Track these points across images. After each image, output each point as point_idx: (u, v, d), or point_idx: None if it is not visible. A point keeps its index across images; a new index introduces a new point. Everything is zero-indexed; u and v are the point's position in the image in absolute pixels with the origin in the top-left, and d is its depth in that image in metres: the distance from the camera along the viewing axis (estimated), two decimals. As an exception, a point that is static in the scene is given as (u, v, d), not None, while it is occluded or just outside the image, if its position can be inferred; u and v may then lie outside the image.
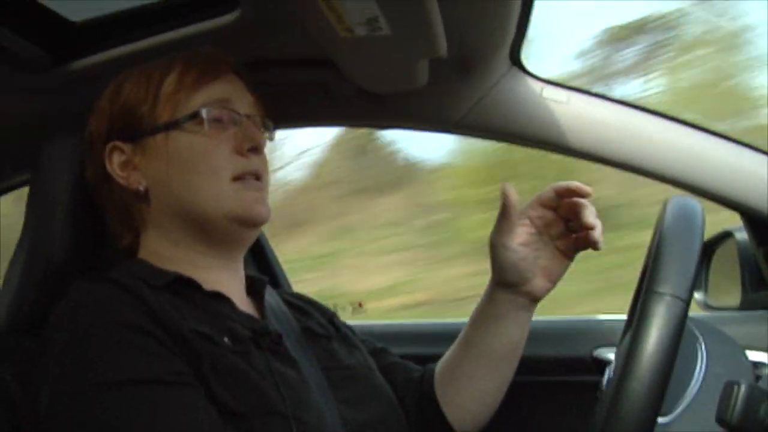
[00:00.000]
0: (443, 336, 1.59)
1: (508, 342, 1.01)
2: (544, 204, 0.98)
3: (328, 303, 1.15)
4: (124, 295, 0.79)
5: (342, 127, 1.35)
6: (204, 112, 0.88)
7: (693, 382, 1.00)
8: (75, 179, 0.94)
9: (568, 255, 0.99)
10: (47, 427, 0.74)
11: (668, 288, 0.67)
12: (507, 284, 0.99)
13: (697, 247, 0.70)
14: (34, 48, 1.05)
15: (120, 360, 0.74)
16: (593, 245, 0.94)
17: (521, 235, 0.98)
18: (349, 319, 1.15)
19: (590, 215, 0.93)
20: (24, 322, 0.95)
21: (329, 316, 1.07)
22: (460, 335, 1.05)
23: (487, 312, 1.01)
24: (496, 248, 0.98)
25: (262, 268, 1.63)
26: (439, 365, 1.07)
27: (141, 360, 0.74)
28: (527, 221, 0.98)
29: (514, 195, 0.95)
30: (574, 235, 0.97)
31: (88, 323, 0.77)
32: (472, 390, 1.02)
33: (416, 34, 0.90)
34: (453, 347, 1.06)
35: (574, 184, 0.94)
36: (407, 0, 0.81)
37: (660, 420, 0.65)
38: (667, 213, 0.73)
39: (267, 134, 0.96)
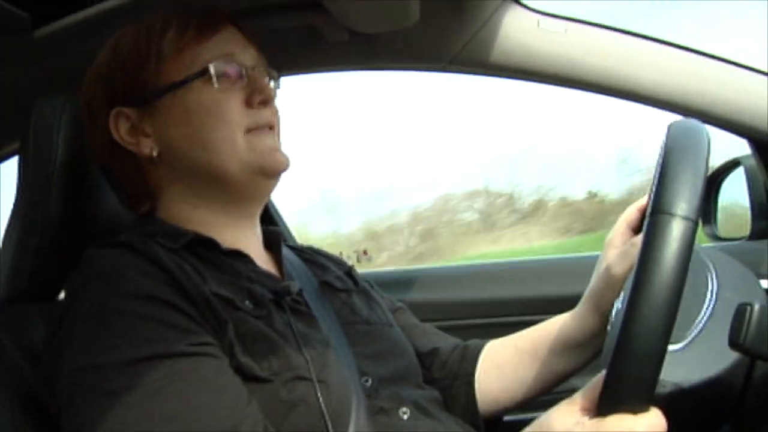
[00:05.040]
0: (446, 279, 1.60)
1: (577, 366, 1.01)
2: (630, 225, 0.98)
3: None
4: (141, 262, 0.77)
5: (336, 71, 1.33)
6: (212, 68, 0.86)
7: (704, 309, 0.99)
8: (66, 142, 0.92)
9: None
10: (65, 400, 0.72)
11: (675, 208, 0.64)
12: (601, 303, 0.97)
13: (703, 166, 0.67)
14: (13, 9, 1.02)
15: (140, 335, 0.72)
16: None
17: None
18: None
19: None
20: (22, 290, 0.94)
21: (346, 269, 1.06)
22: (531, 343, 1.03)
23: (573, 338, 1.00)
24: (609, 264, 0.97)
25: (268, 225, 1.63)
26: (492, 352, 1.05)
27: (162, 334, 0.72)
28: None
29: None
30: None
31: (105, 295, 0.74)
32: (516, 392, 1.02)
33: (404, -32, 0.87)
34: (516, 349, 1.04)
35: None
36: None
37: (671, 347, 0.64)
38: (671, 134, 0.71)
39: (274, 85, 0.94)
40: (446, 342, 1.08)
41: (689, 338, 0.97)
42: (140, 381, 0.70)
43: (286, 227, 1.69)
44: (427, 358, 1.04)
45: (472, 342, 1.07)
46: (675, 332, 0.64)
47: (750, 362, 0.92)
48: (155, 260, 0.77)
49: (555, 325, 1.02)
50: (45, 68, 1.14)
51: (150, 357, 0.71)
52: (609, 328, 0.95)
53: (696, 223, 0.64)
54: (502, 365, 1.03)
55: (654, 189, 0.68)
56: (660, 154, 0.72)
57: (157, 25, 0.88)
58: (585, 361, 1.00)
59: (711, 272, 1.08)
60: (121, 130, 0.88)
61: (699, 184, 0.66)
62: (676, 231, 0.63)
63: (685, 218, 0.63)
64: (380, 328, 0.97)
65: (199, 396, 0.71)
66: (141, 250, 0.78)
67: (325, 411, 0.77)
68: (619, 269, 0.95)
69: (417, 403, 0.89)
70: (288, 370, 0.77)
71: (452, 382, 1.03)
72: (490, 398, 1.02)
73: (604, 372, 0.65)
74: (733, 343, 0.80)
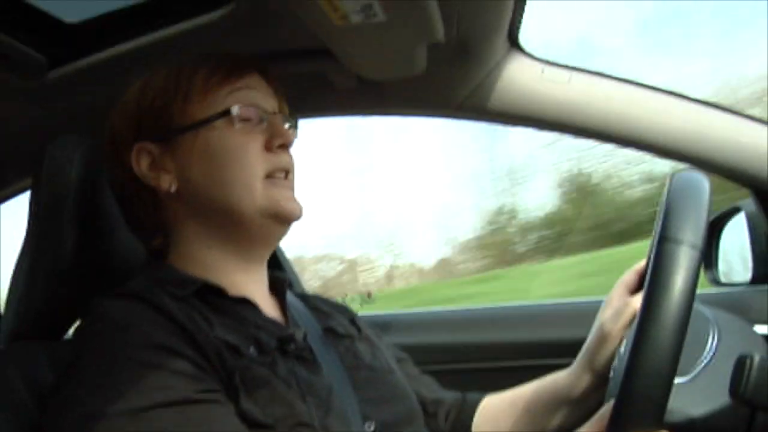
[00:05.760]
0: (452, 324, 1.60)
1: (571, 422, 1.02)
2: (627, 287, 1.02)
3: (337, 295, 1.15)
4: (150, 312, 0.78)
5: (344, 117, 1.35)
6: (235, 110, 0.88)
7: (707, 350, 1.01)
8: (79, 181, 0.93)
9: None
10: None
11: (682, 236, 0.66)
12: (595, 360, 1.00)
13: (706, 203, 0.69)
14: (29, 51, 1.04)
15: (150, 384, 0.73)
16: None
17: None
18: (358, 309, 1.15)
19: None
20: (29, 328, 0.94)
21: (350, 317, 1.07)
22: (526, 399, 1.05)
23: (567, 395, 1.02)
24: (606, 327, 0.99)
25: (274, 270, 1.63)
26: (488, 406, 1.08)
27: (169, 382, 0.73)
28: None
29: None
30: None
31: (115, 345, 0.75)
32: None
33: (412, 19, 0.89)
34: (512, 405, 1.06)
35: None
36: (401, -15, 0.80)
37: (677, 380, 0.65)
38: (673, 184, 0.72)
39: (293, 131, 0.96)
40: (448, 394, 1.10)
41: (694, 372, 0.99)
42: (149, 428, 0.71)
43: (293, 273, 1.70)
44: (431, 405, 1.05)
45: (470, 395, 1.09)
46: (680, 366, 0.65)
47: (751, 413, 0.92)
48: (164, 311, 0.78)
49: (550, 382, 1.04)
50: (58, 108, 1.16)
51: (159, 405, 0.71)
52: (612, 371, 0.96)
53: (702, 253, 0.66)
54: (498, 420, 1.05)
55: (660, 222, 0.69)
56: (663, 197, 0.74)
57: (188, 67, 0.91)
58: (578, 418, 1.00)
59: (711, 321, 1.09)
60: (142, 164, 0.90)
61: (703, 216, 0.68)
62: (683, 257, 0.65)
63: (693, 246, 0.65)
64: (383, 374, 0.98)
65: None
66: (150, 301, 0.79)
67: None
68: (613, 327, 0.98)
69: None
70: (290, 417, 0.78)
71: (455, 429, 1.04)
72: None
73: (611, 402, 0.66)
74: (734, 394, 0.81)
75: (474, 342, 1.54)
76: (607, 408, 0.65)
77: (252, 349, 0.81)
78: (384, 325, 1.50)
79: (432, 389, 1.09)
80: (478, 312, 1.66)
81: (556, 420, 1.02)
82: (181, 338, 0.76)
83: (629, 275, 1.02)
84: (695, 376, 0.98)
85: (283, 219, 0.90)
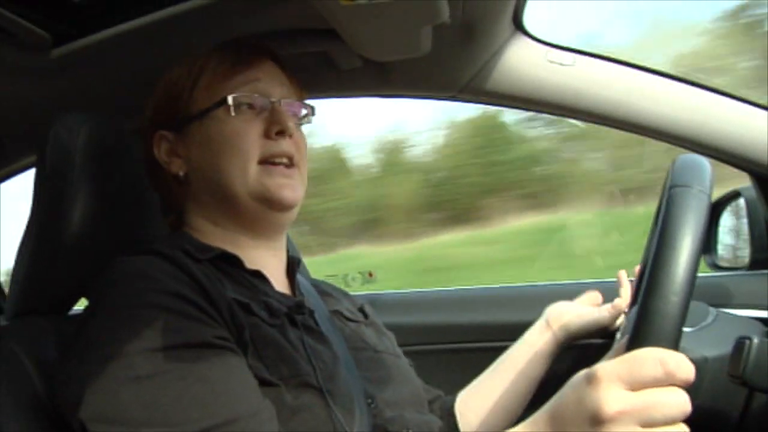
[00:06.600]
0: (450, 303, 1.61)
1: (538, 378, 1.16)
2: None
3: (339, 273, 1.17)
4: (168, 266, 0.80)
5: (348, 97, 1.35)
6: (230, 99, 0.91)
7: (709, 316, 1.04)
8: (83, 158, 0.94)
9: None
10: (90, 389, 0.72)
11: (692, 183, 0.68)
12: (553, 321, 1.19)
13: (710, 174, 0.70)
14: (33, 28, 1.04)
15: (167, 326, 0.74)
16: None
17: None
18: (359, 289, 1.16)
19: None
20: (34, 303, 0.95)
21: (358, 305, 1.09)
22: (500, 365, 1.17)
23: (539, 350, 1.16)
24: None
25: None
26: (467, 396, 1.16)
27: (188, 325, 0.75)
28: None
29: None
30: None
31: (132, 292, 0.77)
32: (498, 407, 1.12)
33: (417, 0, 0.89)
34: (491, 373, 1.17)
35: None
36: (408, -35, 0.80)
37: (686, 329, 0.66)
38: (677, 163, 0.73)
39: (304, 117, 1.00)
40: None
41: (701, 326, 1.01)
42: (168, 366, 0.72)
43: (300, 257, 1.71)
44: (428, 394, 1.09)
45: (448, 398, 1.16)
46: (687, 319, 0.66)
47: (748, 393, 0.94)
48: (181, 266, 0.81)
49: (516, 345, 1.18)
50: (63, 86, 1.16)
51: (177, 345, 0.73)
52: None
53: (709, 198, 0.67)
54: (480, 389, 1.15)
55: (669, 178, 0.71)
56: (667, 177, 0.75)
57: (202, 56, 0.95)
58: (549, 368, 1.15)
59: (710, 307, 1.11)
60: (161, 150, 0.96)
61: (709, 176, 0.69)
62: (693, 199, 0.67)
63: (701, 191, 0.67)
64: (387, 357, 1.00)
65: (224, 382, 0.73)
66: (169, 257, 0.82)
67: (331, 418, 0.79)
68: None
69: (420, 427, 0.91)
70: (296, 377, 0.80)
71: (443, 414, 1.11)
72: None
73: (622, 341, 0.67)
74: (732, 376, 0.82)
75: (462, 323, 1.56)
76: (624, 340, 0.66)
77: (263, 312, 0.84)
78: (380, 304, 1.51)
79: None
80: (467, 292, 1.68)
81: (535, 370, 1.14)
82: (197, 292, 0.79)
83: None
84: (701, 328, 1.00)
85: (273, 205, 0.92)
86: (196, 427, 0.69)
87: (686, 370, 0.60)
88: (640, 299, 0.65)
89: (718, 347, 0.93)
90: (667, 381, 0.60)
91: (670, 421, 0.60)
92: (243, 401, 0.73)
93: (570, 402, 0.63)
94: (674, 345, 0.62)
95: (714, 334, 0.99)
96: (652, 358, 0.61)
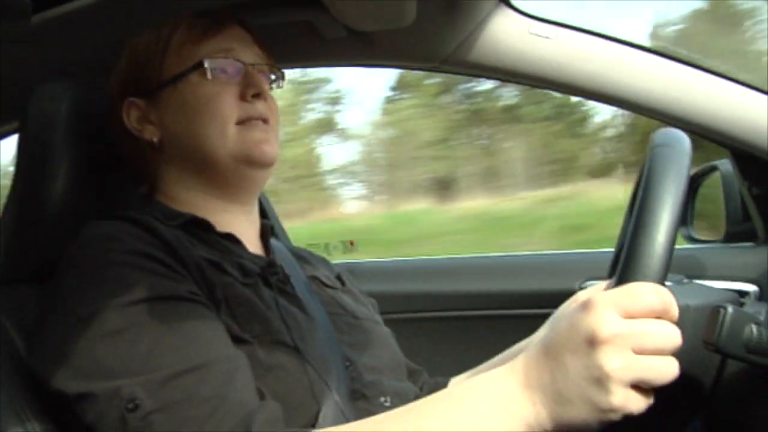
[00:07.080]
0: (431, 272, 1.63)
1: None
2: None
3: (321, 242, 1.17)
4: (137, 230, 0.81)
5: (330, 67, 1.35)
6: (207, 63, 0.92)
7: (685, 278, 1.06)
8: (65, 126, 0.94)
9: None
10: (62, 350, 0.73)
11: (674, 143, 0.71)
12: None
13: (689, 147, 0.72)
14: (14, -6, 1.02)
15: (138, 282, 0.75)
16: None
17: None
18: (340, 258, 1.17)
19: None
20: (18, 270, 0.95)
21: (336, 273, 1.10)
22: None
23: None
24: None
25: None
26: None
27: (159, 281, 0.76)
28: None
29: None
30: None
31: (102, 252, 0.78)
32: None
33: (402, -31, 0.89)
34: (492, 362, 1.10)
35: None
36: (392, -65, 0.80)
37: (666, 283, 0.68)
38: (656, 135, 0.75)
39: (275, 82, 1.01)
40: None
41: (681, 283, 1.04)
42: (140, 319, 0.72)
43: (280, 226, 1.71)
44: (411, 371, 1.07)
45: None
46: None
47: (721, 361, 0.96)
48: (149, 229, 0.81)
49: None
50: (45, 53, 1.15)
51: (148, 299, 0.74)
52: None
53: (690, 158, 0.70)
54: None
55: (653, 138, 0.74)
56: (647, 149, 0.77)
57: (170, 24, 0.95)
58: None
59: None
60: (131, 117, 0.96)
61: (688, 143, 0.72)
62: (676, 155, 0.70)
63: (682, 152, 0.70)
64: (366, 323, 1.00)
65: (197, 331, 0.74)
66: (138, 221, 0.83)
67: (304, 378, 0.80)
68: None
69: (398, 393, 0.92)
70: (268, 334, 0.81)
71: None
72: None
73: (610, 282, 0.68)
74: (707, 342, 0.84)
75: (443, 291, 1.58)
76: (611, 281, 0.68)
77: (235, 271, 0.85)
78: (363, 272, 1.53)
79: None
80: (448, 261, 1.70)
81: None
82: (164, 250, 0.79)
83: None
84: (681, 284, 1.03)
85: (254, 162, 0.93)
86: (171, 371, 0.70)
87: (676, 306, 0.63)
88: (627, 241, 0.67)
89: (699, 299, 0.96)
90: (661, 312, 0.62)
91: (661, 352, 0.61)
92: (215, 347, 0.74)
93: (563, 329, 0.64)
94: (661, 284, 0.64)
95: (693, 290, 1.02)
96: (648, 289, 0.62)
